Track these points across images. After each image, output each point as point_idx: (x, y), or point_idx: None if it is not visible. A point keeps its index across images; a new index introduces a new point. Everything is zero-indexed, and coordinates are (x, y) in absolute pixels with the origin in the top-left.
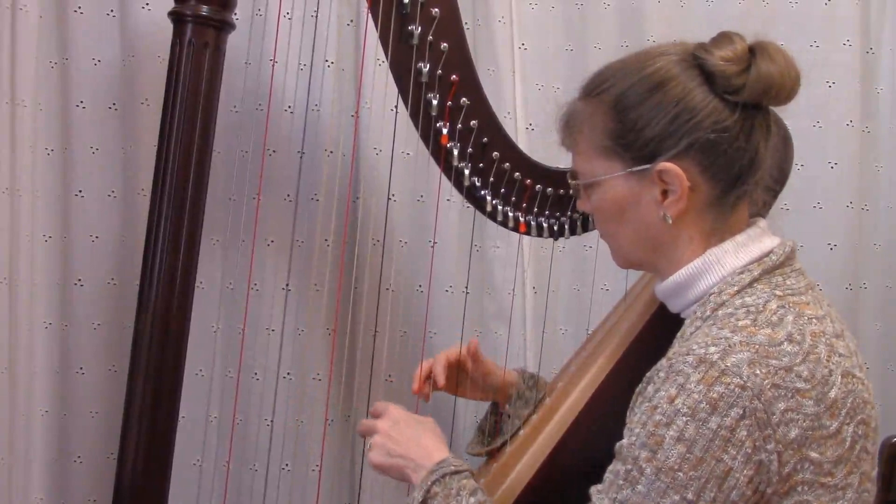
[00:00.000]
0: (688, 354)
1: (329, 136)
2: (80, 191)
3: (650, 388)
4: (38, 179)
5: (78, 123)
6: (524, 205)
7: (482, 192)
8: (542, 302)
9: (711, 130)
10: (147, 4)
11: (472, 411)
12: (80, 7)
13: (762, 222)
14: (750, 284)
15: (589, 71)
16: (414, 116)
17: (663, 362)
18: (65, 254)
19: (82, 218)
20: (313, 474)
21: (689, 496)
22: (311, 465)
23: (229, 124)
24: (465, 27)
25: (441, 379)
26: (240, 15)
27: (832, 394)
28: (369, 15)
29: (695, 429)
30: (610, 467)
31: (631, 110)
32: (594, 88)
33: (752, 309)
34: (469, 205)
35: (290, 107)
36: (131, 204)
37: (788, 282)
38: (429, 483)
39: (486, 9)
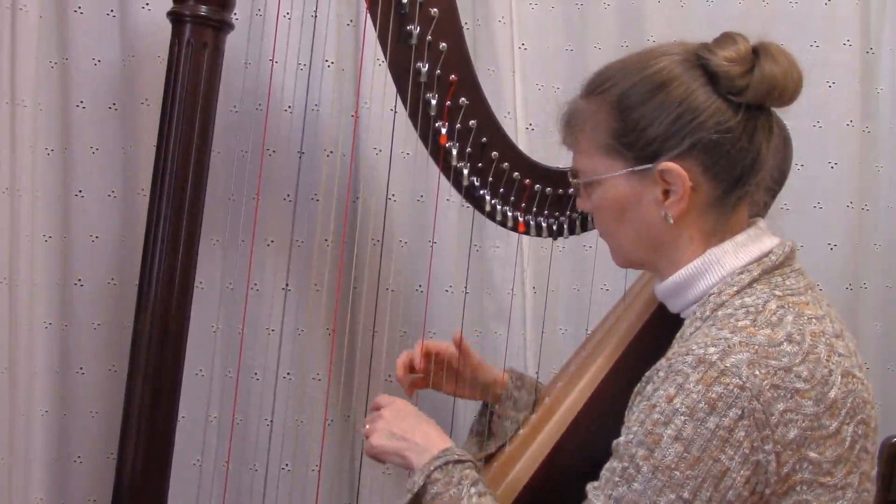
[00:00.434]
0: (687, 354)
1: (328, 136)
2: (80, 191)
3: (649, 388)
4: (38, 179)
5: (78, 123)
6: (523, 204)
7: (481, 192)
8: (541, 302)
9: (714, 131)
10: (147, 4)
11: (471, 412)
12: (80, 7)
13: (762, 222)
14: (749, 285)
15: (589, 71)
16: (413, 116)
17: (662, 362)
18: (65, 254)
19: (82, 218)
20: (313, 474)
21: (686, 495)
22: (310, 465)
23: (229, 124)
24: (465, 27)
25: (419, 362)
26: (239, 15)
27: (832, 394)
28: (368, 15)
29: (693, 428)
30: (606, 465)
31: (634, 109)
32: (597, 87)
33: (752, 309)
34: (468, 204)
35: (289, 107)
36: (131, 204)
37: (788, 282)
38: (431, 468)
39: (486, 9)
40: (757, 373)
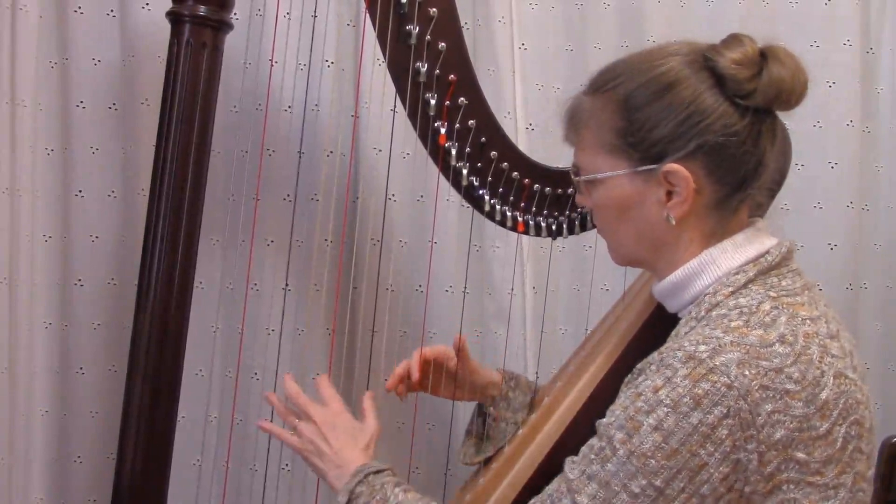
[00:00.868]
0: (678, 350)
1: (328, 136)
2: (80, 191)
3: (640, 378)
4: (38, 179)
5: (78, 123)
6: (522, 204)
7: (480, 192)
8: (541, 302)
9: (721, 134)
10: (147, 4)
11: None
12: (80, 7)
13: (760, 223)
14: (745, 285)
15: (589, 71)
16: (412, 116)
17: (655, 356)
18: (65, 254)
19: (82, 218)
20: (313, 474)
21: (658, 483)
22: None
23: (228, 124)
24: (465, 27)
25: (416, 373)
26: (239, 15)
27: (823, 395)
28: (367, 15)
29: (674, 421)
30: (588, 442)
31: (640, 110)
32: (602, 84)
33: (746, 310)
34: (468, 204)
35: (289, 107)
36: (131, 204)
37: (784, 282)
38: (353, 485)
39: (486, 9)
40: (746, 373)
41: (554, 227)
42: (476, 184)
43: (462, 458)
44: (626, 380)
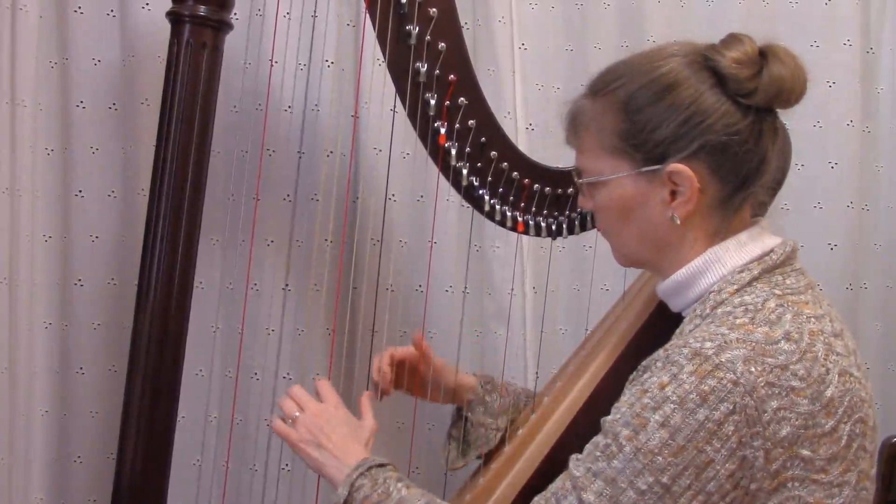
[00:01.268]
0: (684, 347)
1: (328, 136)
2: (80, 191)
3: (645, 375)
4: (38, 179)
5: (78, 123)
6: (522, 204)
7: (480, 192)
8: (541, 302)
9: (723, 133)
10: (147, 4)
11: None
12: (80, 7)
13: (764, 221)
14: (749, 283)
15: (589, 71)
16: (412, 116)
17: (660, 353)
18: (65, 254)
19: (82, 218)
20: (313, 474)
21: (664, 480)
22: None
23: (228, 124)
24: (465, 27)
25: (386, 375)
26: (239, 15)
27: (828, 392)
28: (367, 15)
29: (681, 417)
30: (592, 439)
31: (642, 111)
32: (603, 87)
33: (751, 307)
34: (468, 204)
35: (289, 107)
36: (131, 204)
37: (788, 281)
38: (354, 477)
39: (486, 9)
40: (752, 369)
41: (554, 227)
42: (476, 184)
43: (446, 463)
44: (631, 377)
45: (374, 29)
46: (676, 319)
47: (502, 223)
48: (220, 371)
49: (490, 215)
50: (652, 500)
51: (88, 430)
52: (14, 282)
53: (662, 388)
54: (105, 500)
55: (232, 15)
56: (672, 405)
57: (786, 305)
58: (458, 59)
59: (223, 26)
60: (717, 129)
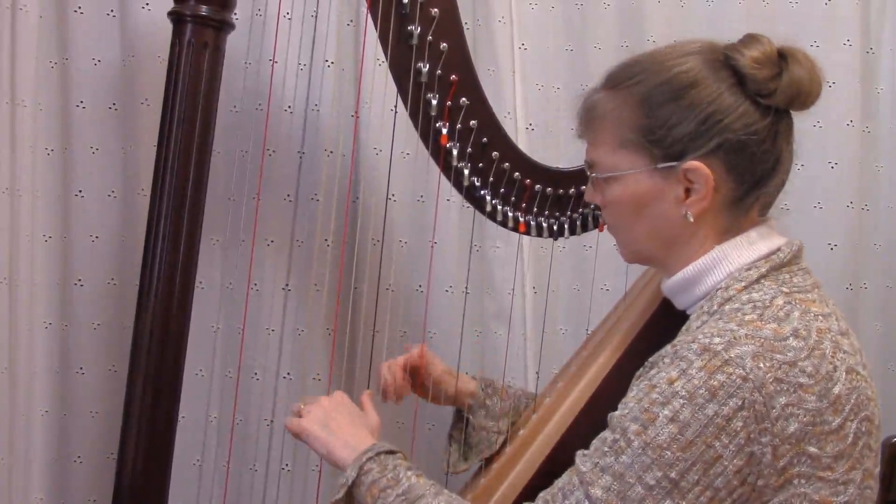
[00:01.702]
0: (693, 342)
1: (329, 136)
2: (80, 191)
3: (653, 371)
4: (38, 179)
5: (78, 123)
6: (524, 205)
7: (482, 192)
8: (541, 302)
9: (742, 132)
10: (147, 4)
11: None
12: (80, 7)
13: (771, 221)
14: (757, 281)
15: (589, 71)
16: (413, 116)
17: (668, 348)
18: (65, 254)
19: (82, 218)
20: (313, 474)
21: (673, 475)
22: (310, 465)
23: (229, 124)
24: (465, 27)
25: (400, 388)
26: (239, 15)
27: (836, 390)
28: (369, 15)
29: (690, 412)
30: (599, 435)
31: (662, 107)
32: (622, 81)
33: (759, 304)
34: (469, 205)
35: (289, 107)
36: (131, 204)
37: (795, 279)
38: (363, 459)
39: (486, 9)
40: (761, 365)
41: (555, 228)
42: (478, 184)
43: (447, 466)
44: (638, 373)
45: (376, 29)
46: (680, 318)
47: (504, 224)
48: (220, 371)
49: (492, 216)
50: (660, 495)
51: (88, 430)
52: (14, 282)
53: (671, 383)
54: (105, 500)
55: (232, 15)
56: (681, 400)
57: (793, 303)
58: (460, 60)
59: (225, 26)
60: (735, 128)
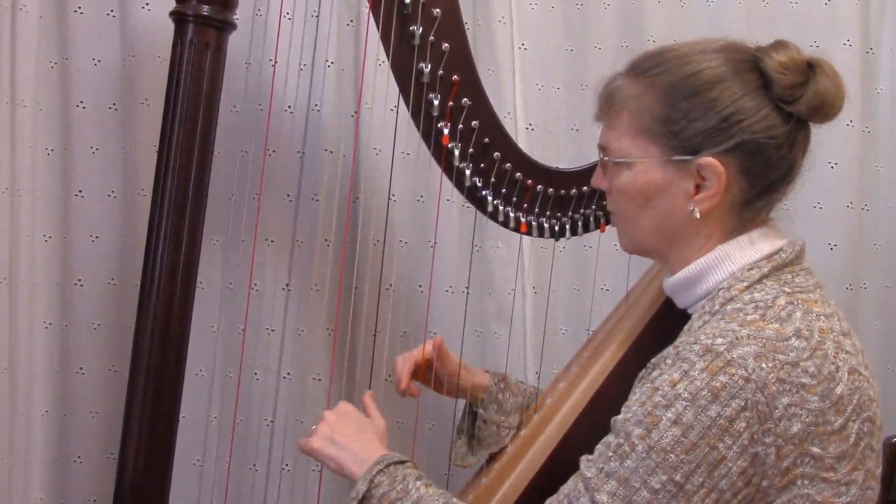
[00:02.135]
0: (695, 343)
1: (329, 136)
2: (80, 191)
3: (655, 373)
4: (38, 179)
5: (78, 123)
6: (525, 205)
7: (483, 193)
8: (542, 302)
9: (762, 135)
10: (147, 4)
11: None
12: (80, 7)
13: (773, 221)
14: (759, 280)
15: (589, 71)
16: (415, 116)
17: (670, 349)
18: (65, 254)
19: (82, 218)
20: (314, 474)
21: (678, 478)
22: (311, 465)
23: (230, 124)
24: (465, 27)
25: (405, 381)
26: (240, 15)
27: (838, 390)
28: (370, 15)
29: (693, 414)
30: (603, 439)
31: (687, 100)
32: (649, 68)
33: (761, 304)
34: (469, 205)
35: (290, 107)
36: (131, 204)
37: (797, 280)
38: (373, 472)
39: (486, 9)
40: (763, 366)
41: (557, 228)
42: (479, 184)
43: (454, 458)
44: (640, 375)
45: (378, 29)
46: (682, 318)
47: (505, 224)
48: (220, 371)
49: (493, 216)
50: (665, 498)
51: (88, 430)
52: (14, 282)
53: (674, 385)
54: (105, 500)
55: (233, 15)
56: (684, 402)
57: (796, 303)
58: (462, 60)
59: (227, 26)
60: (756, 130)
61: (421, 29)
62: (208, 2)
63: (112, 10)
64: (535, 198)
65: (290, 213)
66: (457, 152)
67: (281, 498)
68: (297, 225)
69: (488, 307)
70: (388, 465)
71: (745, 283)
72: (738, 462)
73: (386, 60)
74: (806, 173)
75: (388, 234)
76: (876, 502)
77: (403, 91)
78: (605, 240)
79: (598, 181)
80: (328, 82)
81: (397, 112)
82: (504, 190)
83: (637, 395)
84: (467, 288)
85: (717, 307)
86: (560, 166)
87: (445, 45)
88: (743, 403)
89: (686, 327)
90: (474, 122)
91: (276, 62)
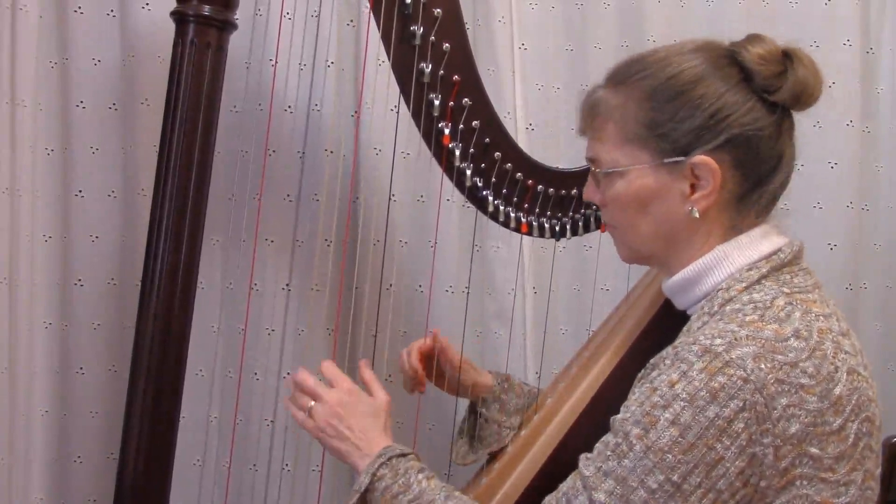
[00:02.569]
0: (694, 344)
1: (329, 136)
2: (80, 191)
3: (654, 373)
4: (38, 179)
5: (78, 123)
6: (526, 205)
7: (484, 193)
8: (542, 302)
9: (750, 128)
10: (147, 4)
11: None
12: (80, 7)
13: (772, 221)
14: (758, 281)
15: (589, 71)
16: (416, 116)
17: (669, 350)
18: (65, 254)
19: (82, 218)
20: (314, 474)
21: (675, 478)
22: (311, 465)
23: (230, 124)
24: (465, 27)
25: (419, 372)
26: (240, 15)
27: (837, 390)
28: (370, 15)
29: (691, 415)
30: (602, 438)
31: (670, 102)
32: (627, 77)
33: (760, 305)
34: (469, 205)
35: (290, 107)
36: (131, 204)
37: (796, 280)
38: (376, 466)
39: (486, 9)
40: (762, 366)
41: (557, 229)
42: (480, 184)
43: (454, 457)
44: (639, 375)
45: (379, 29)
46: (682, 319)
47: (506, 224)
48: (221, 371)
49: (494, 216)
50: (662, 498)
51: (88, 430)
52: (14, 282)
53: (672, 385)
54: (105, 500)
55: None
56: (682, 402)
57: (794, 303)
58: (463, 60)
59: (227, 26)
60: (744, 123)
61: (422, 29)
62: (209, 2)
63: (112, 10)
64: (535, 198)
65: (291, 213)
66: (457, 152)
67: (281, 498)
68: (298, 225)
69: (488, 307)
70: (390, 458)
71: (743, 284)
72: (736, 462)
73: (386, 60)
74: (806, 173)
75: (388, 234)
76: (875, 502)
77: (404, 91)
78: (606, 240)
79: (590, 194)
80: (328, 82)
81: (398, 112)
82: (504, 190)
83: (636, 394)
84: (467, 288)
85: (716, 308)
86: (560, 166)
87: (446, 46)
88: (741, 404)
89: (685, 328)
90: (475, 122)
91: (276, 62)
